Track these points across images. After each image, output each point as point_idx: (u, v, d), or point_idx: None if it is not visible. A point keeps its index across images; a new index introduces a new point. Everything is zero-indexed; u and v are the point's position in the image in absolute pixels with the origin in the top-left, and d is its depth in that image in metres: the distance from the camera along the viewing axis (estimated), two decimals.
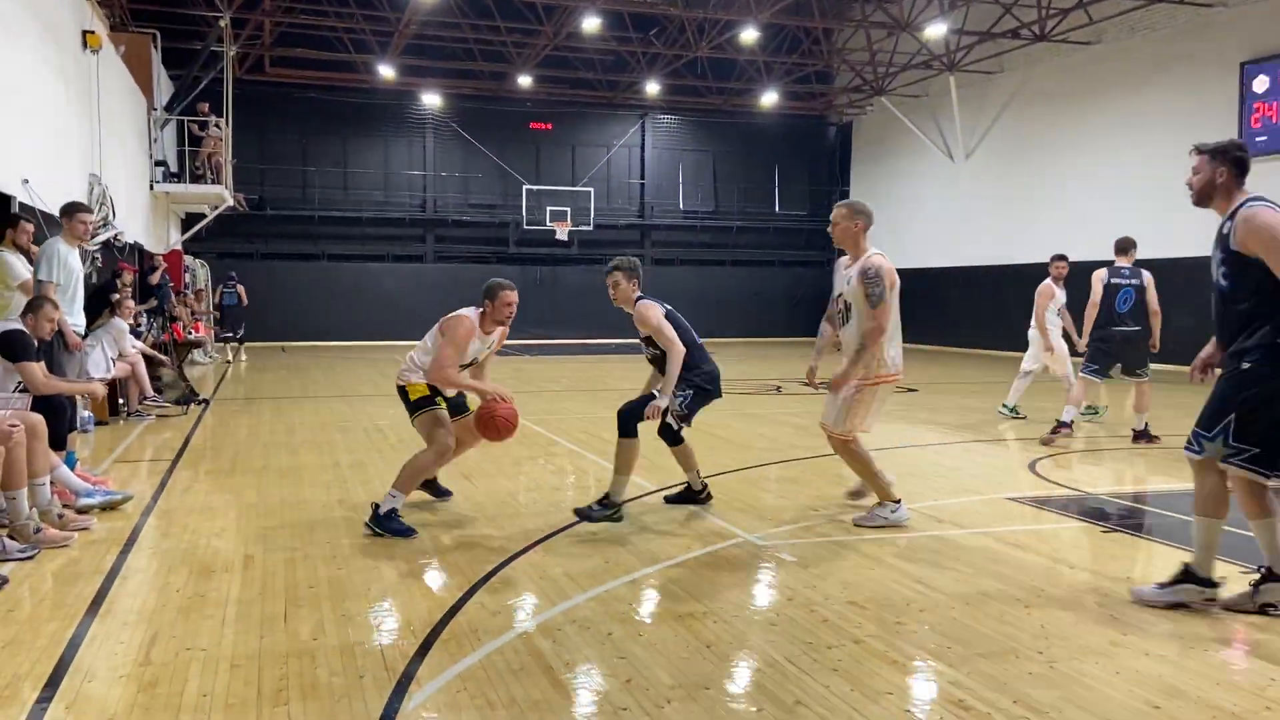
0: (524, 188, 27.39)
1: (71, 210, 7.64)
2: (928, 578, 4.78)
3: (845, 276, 5.89)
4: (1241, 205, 4.17)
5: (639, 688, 3.06)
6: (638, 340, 6.35)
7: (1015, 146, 23.76)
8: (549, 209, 27.25)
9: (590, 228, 27.48)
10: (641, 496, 6.51)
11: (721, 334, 26.83)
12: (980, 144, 24.81)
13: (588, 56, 25.75)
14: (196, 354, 18.51)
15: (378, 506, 5.17)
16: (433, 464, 5.62)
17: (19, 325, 5.69)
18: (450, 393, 5.88)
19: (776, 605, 4.37)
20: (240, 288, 21.58)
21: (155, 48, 19.36)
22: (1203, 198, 4.40)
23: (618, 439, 5.63)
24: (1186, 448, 4.41)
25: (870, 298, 5.49)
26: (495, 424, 5.53)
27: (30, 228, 7.63)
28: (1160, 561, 5.18)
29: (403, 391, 5.67)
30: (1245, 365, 4.12)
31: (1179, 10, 18.59)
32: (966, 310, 25.10)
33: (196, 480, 7.21)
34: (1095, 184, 20.93)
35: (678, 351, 5.48)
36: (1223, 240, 4.23)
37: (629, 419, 5.57)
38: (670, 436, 5.73)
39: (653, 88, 26.48)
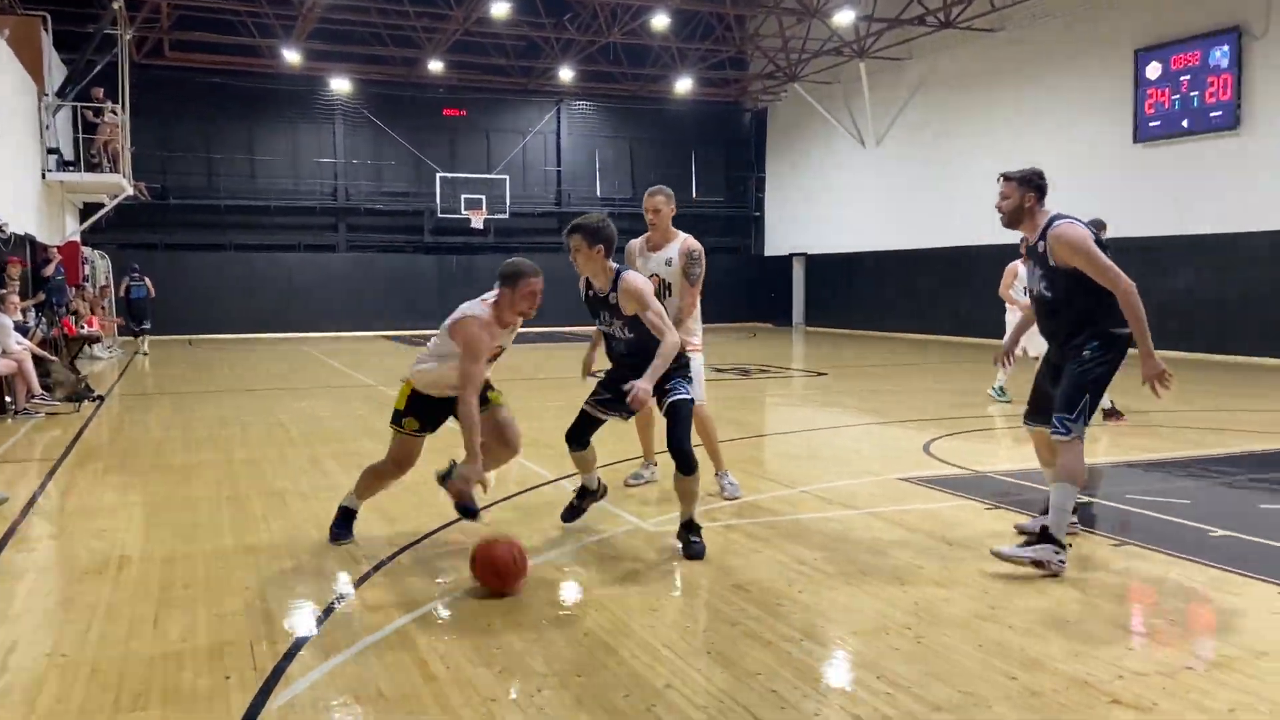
0: (438, 175, 28.08)
1: None
2: (812, 559, 4.93)
3: (662, 258, 6.28)
4: (1049, 225, 4.84)
5: (511, 676, 3.24)
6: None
7: (925, 132, 24.86)
8: (464, 197, 27.92)
9: (506, 216, 28.22)
10: (538, 486, 6.64)
11: None
12: (890, 130, 25.96)
13: (500, 42, 26.44)
14: (97, 349, 18.76)
15: (339, 514, 5.05)
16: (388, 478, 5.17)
17: None
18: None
19: (660, 591, 4.48)
20: (147, 280, 21.67)
21: (46, 30, 19.55)
22: (1013, 221, 5.03)
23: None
24: (1054, 432, 4.89)
25: (691, 276, 6.10)
26: (496, 569, 4.22)
27: None
28: (995, 521, 5.67)
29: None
30: (1086, 353, 4.78)
31: (1066, 5, 19.91)
32: (879, 294, 26.17)
33: (82, 479, 7.11)
34: (1002, 169, 22.69)
35: (673, 341, 4.73)
36: (1041, 258, 4.88)
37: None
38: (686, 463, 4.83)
39: (567, 74, 27.22)
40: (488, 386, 5.14)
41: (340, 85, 27.02)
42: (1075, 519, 5.53)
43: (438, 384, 4.95)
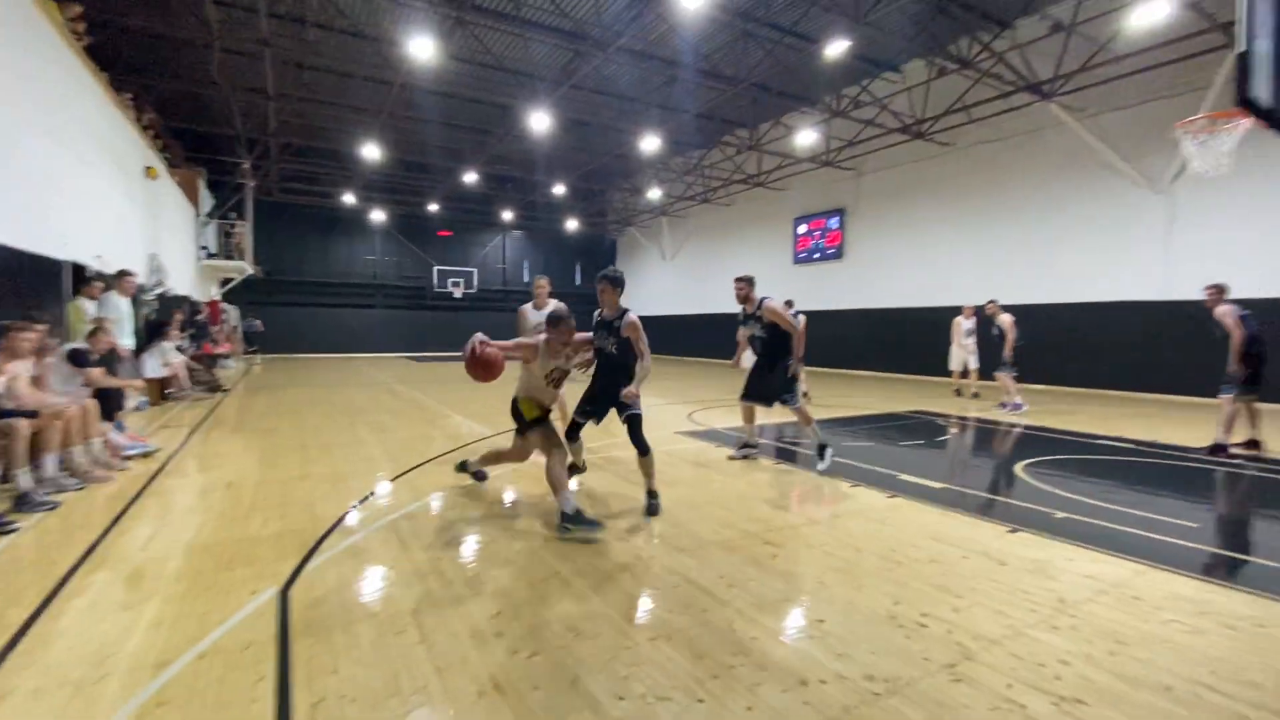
0: (435, 267, 28.17)
1: (121, 274, 7.43)
2: (623, 475, 5.11)
3: (544, 313, 5.13)
4: (762, 300, 5.11)
5: (455, 545, 3.34)
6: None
7: (695, 254, 26.04)
8: (449, 280, 28.08)
9: (474, 290, 28.39)
10: (422, 464, 5.38)
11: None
12: (679, 253, 27.17)
13: (472, 194, 26.53)
14: (228, 362, 18.53)
15: (564, 514, 3.67)
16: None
17: (83, 345, 5.38)
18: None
19: (539, 492, 4.37)
20: (258, 321, 22.03)
21: (202, 178, 19.32)
22: (745, 300, 5.15)
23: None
24: (791, 404, 5.24)
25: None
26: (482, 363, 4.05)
27: (101, 284, 7.45)
28: (750, 463, 5.55)
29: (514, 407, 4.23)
30: (784, 365, 5.26)
31: (763, 191, 21.38)
32: (675, 338, 26.77)
33: (210, 436, 6.81)
34: (734, 275, 24.05)
35: (649, 363, 4.28)
36: (758, 318, 5.20)
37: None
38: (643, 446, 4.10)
39: (508, 215, 27.58)
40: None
41: (378, 215, 26.68)
42: (755, 448, 5.75)
43: (527, 389, 4.19)
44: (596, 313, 4.36)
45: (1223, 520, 4.37)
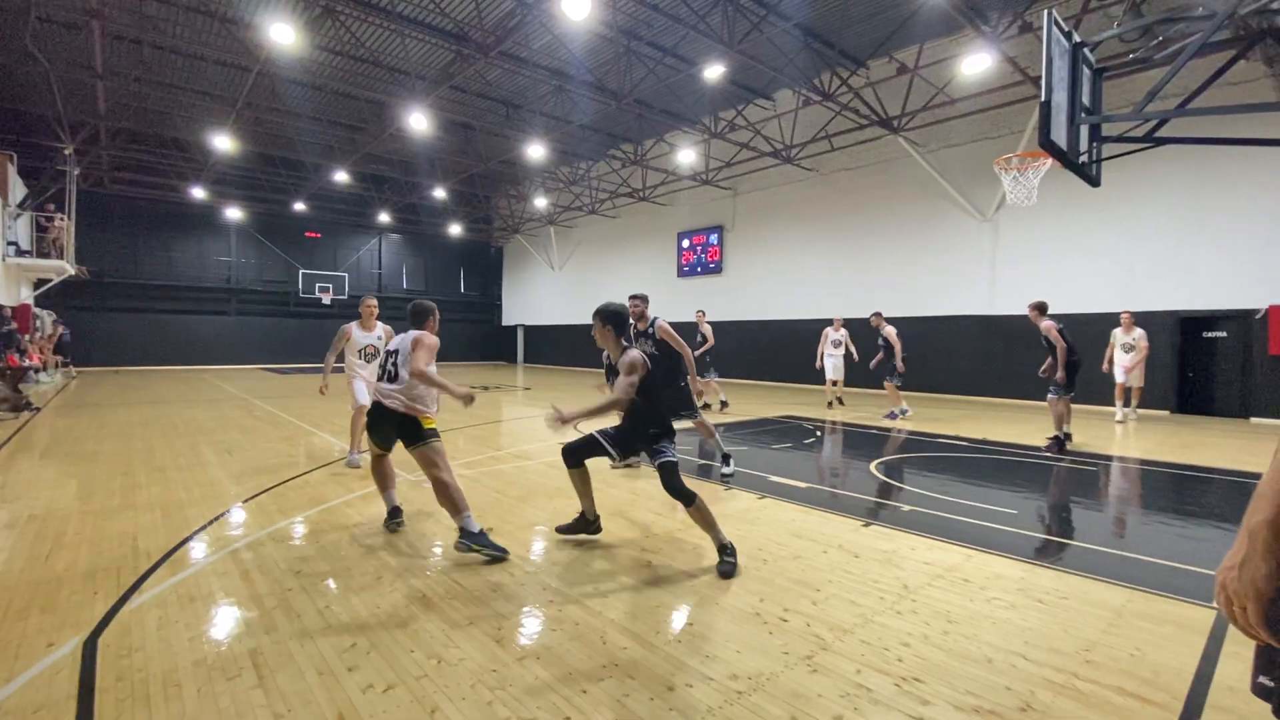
0: (300, 271, 26.08)
1: None
2: (505, 489, 4.28)
3: (374, 334, 5.72)
4: (654, 321, 5.19)
5: (306, 575, 3.04)
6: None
7: (583, 264, 25.99)
8: (317, 285, 26.11)
9: (345, 296, 26.54)
10: (275, 486, 5.48)
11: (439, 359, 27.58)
12: (566, 262, 26.97)
13: (343, 194, 25.16)
14: (39, 376, 16.16)
15: (464, 532, 3.47)
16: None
17: None
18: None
19: (408, 512, 4.47)
20: (63, 328, 19.15)
21: (12, 162, 16.40)
22: (639, 318, 5.24)
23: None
24: (686, 417, 5.41)
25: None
26: None
27: None
28: (633, 473, 5.99)
29: (414, 422, 3.72)
30: (681, 384, 5.31)
31: (649, 205, 21.82)
32: (558, 348, 26.90)
33: (11, 463, 5.99)
34: (623, 288, 22.93)
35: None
36: (650, 335, 5.19)
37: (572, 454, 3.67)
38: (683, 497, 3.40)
39: (384, 217, 26.17)
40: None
41: (234, 213, 24.28)
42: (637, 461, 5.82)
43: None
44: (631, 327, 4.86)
45: (1037, 507, 4.99)
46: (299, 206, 24.66)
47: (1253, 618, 0.94)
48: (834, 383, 11.94)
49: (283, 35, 10.63)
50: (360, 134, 18.57)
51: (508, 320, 31.40)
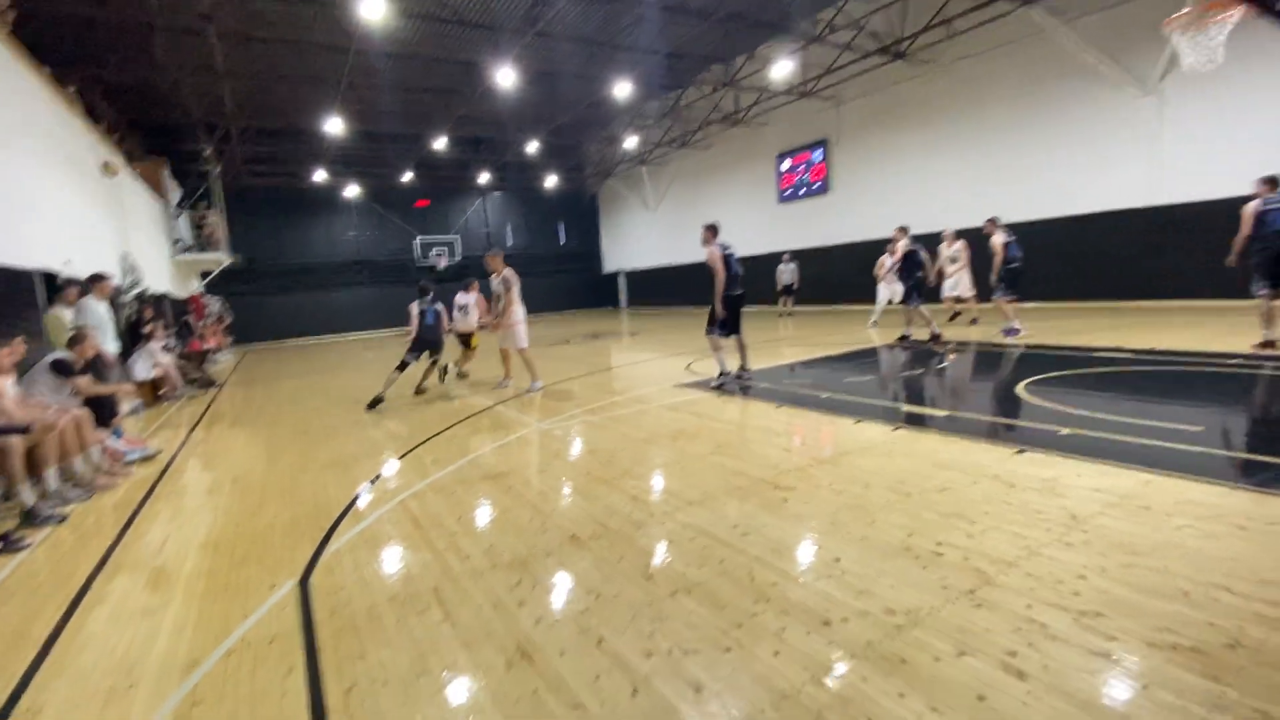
0: (416, 239, 27.50)
1: (96, 278, 6.90)
2: (630, 432, 4.99)
3: (496, 281, 7.54)
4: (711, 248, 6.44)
5: (466, 522, 3.19)
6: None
7: (679, 201, 25.47)
8: (432, 251, 27.52)
9: (459, 259, 27.75)
10: (427, 440, 6.85)
11: (536, 310, 28.63)
12: (662, 201, 26.59)
13: (446, 159, 25.95)
14: (217, 356, 18.74)
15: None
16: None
17: (66, 354, 5.12)
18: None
19: (545, 460, 4.45)
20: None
21: (166, 169, 18.71)
22: (705, 243, 6.55)
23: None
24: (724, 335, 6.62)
25: (508, 288, 7.54)
26: None
27: (76, 290, 6.78)
28: (753, 408, 5.98)
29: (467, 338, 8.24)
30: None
31: (743, 130, 20.83)
32: (661, 290, 26.74)
33: (209, 433, 6.69)
34: (722, 222, 23.57)
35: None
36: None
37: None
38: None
39: (485, 178, 27.10)
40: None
41: (352, 190, 26.00)
42: (738, 377, 6.91)
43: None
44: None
45: (1226, 422, 4.39)
46: (407, 177, 25.90)
47: None
48: (958, 299, 11.06)
49: (372, 10, 10.94)
50: (454, 97, 19.04)
51: (608, 267, 31.72)
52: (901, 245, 9.00)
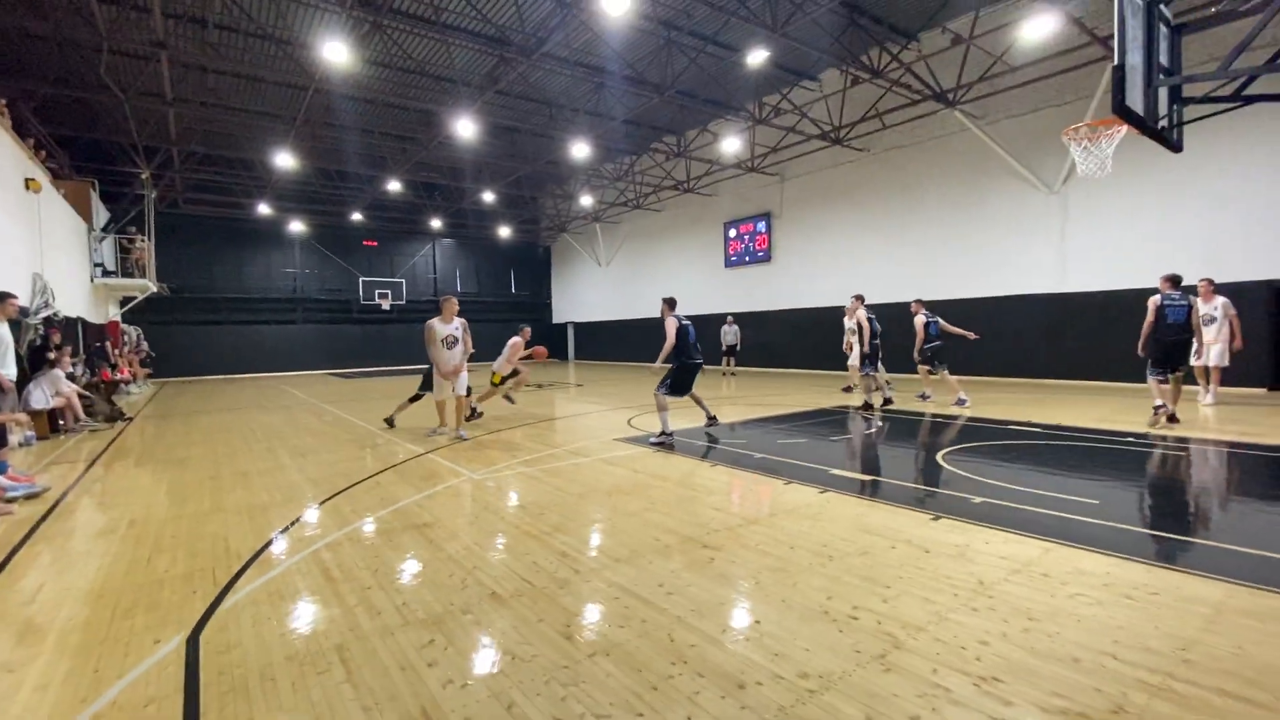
0: (360, 279, 26.98)
1: (1, 296, 6.36)
2: (565, 486, 4.89)
3: (454, 325, 7.32)
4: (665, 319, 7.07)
5: (381, 574, 3.05)
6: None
7: (629, 259, 26.05)
8: (376, 291, 26.97)
9: (403, 302, 27.33)
10: (349, 488, 6.68)
11: (481, 359, 28.23)
12: (614, 258, 27.13)
13: (397, 203, 25.98)
14: (133, 388, 17.37)
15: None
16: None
17: None
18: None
19: (476, 511, 4.33)
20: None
21: (94, 189, 17.75)
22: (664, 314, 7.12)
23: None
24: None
25: (466, 334, 7.69)
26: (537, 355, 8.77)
27: None
28: (689, 465, 6.11)
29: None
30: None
31: (694, 197, 21.74)
32: (609, 343, 26.97)
33: (108, 471, 6.25)
34: (670, 283, 23.43)
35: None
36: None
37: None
38: None
39: (437, 223, 26.96)
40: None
41: (297, 226, 25.38)
42: (710, 423, 7.62)
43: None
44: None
45: (1119, 497, 4.72)
46: (356, 217, 25.67)
47: None
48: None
49: (335, 53, 11.05)
50: (411, 144, 19.14)
51: (558, 318, 31.74)
52: (861, 314, 9.23)
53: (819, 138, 15.52)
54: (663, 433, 6.89)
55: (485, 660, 2.37)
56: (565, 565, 3.43)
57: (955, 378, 9.59)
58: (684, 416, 8.91)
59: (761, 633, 2.63)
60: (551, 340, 31.69)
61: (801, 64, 14.95)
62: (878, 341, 9.59)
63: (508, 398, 9.86)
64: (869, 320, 9.08)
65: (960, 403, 9.19)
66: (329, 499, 4.83)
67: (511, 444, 6.90)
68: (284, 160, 17.55)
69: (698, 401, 7.63)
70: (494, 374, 8.99)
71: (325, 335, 26.10)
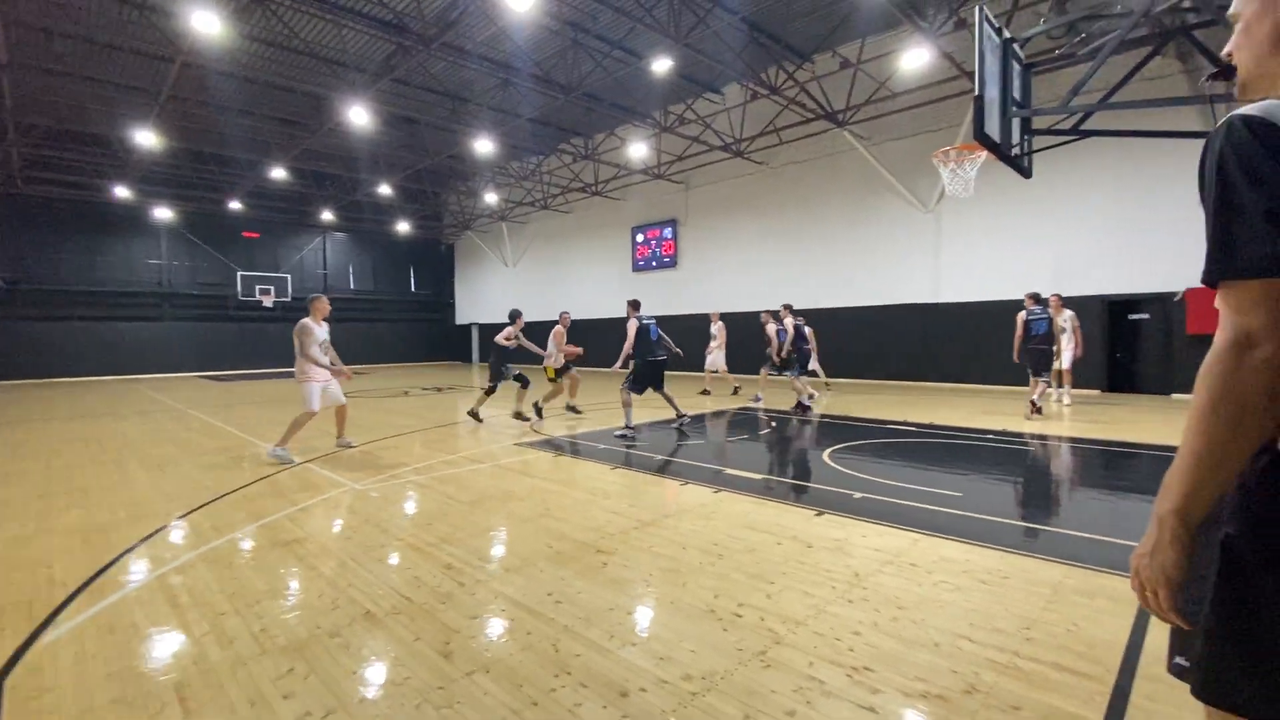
0: (239, 274, 24.77)
1: None
2: (456, 494, 4.65)
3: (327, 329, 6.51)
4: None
5: (239, 598, 2.77)
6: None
7: (537, 259, 25.63)
8: (257, 287, 24.88)
9: (288, 299, 25.38)
10: (212, 502, 5.99)
11: (377, 360, 26.77)
12: (521, 258, 26.58)
13: (283, 191, 24.18)
14: None
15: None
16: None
17: None
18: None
19: (355, 524, 4.04)
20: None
21: None
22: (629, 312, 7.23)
23: None
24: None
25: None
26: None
27: None
28: (588, 469, 6.08)
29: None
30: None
31: (603, 200, 21.71)
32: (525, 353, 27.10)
33: None
34: (579, 285, 23.33)
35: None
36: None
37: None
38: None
39: (328, 215, 25.29)
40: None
41: (164, 213, 22.89)
42: (679, 421, 7.61)
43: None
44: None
45: (979, 489, 5.15)
46: (236, 205, 23.58)
47: (1164, 603, 0.96)
48: (715, 371, 12.33)
49: (206, 24, 10.05)
50: (298, 129, 17.82)
51: (461, 319, 30.66)
52: (790, 321, 9.48)
53: (722, 149, 15.99)
54: (626, 426, 7.14)
55: (350, 687, 2.18)
56: (450, 578, 3.26)
57: (805, 379, 10.02)
58: (602, 420, 8.84)
59: (649, 636, 2.61)
60: (453, 342, 30.58)
61: (706, 76, 15.34)
62: (808, 347, 10.04)
63: (534, 410, 8.65)
64: (777, 332, 9.39)
65: (802, 407, 9.36)
66: (186, 515, 4.42)
67: (403, 451, 6.61)
68: (146, 139, 15.76)
69: (669, 400, 7.69)
70: (547, 369, 8.43)
71: (197, 334, 23.77)
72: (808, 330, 10.81)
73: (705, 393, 12.30)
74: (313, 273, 27.22)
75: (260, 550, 3.65)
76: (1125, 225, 11.41)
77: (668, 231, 19.79)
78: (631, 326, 7.27)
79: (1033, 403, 8.02)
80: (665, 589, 3.00)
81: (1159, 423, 8.04)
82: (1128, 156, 11.21)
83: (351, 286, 28.04)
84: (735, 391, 12.47)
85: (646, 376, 7.27)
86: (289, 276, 26.03)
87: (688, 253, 19.30)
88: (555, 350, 8.55)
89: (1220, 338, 0.93)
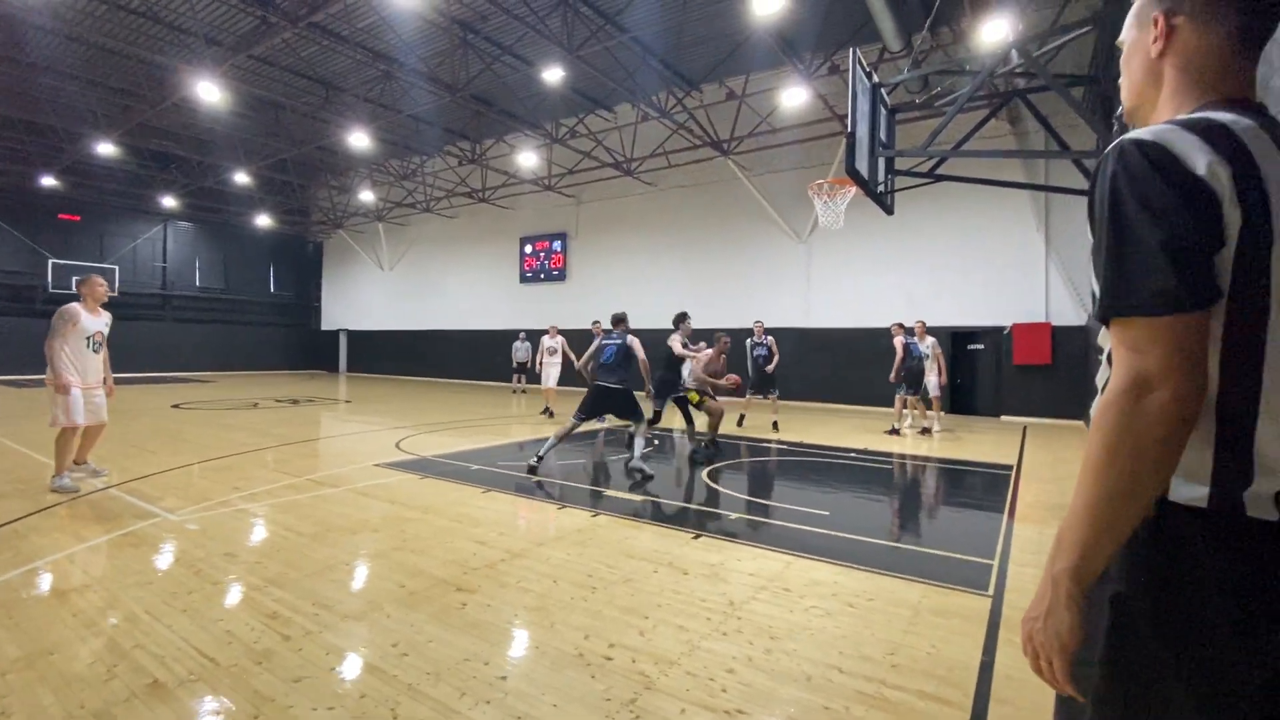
0: (50, 261, 21.23)
1: None
2: (297, 525, 4.12)
3: (104, 319, 5.33)
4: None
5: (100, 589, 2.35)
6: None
7: (416, 265, 24.30)
8: (74, 278, 21.73)
9: (115, 293, 22.07)
10: (109, 487, 5.16)
11: (232, 369, 24.02)
12: (398, 262, 25.06)
13: (113, 170, 21.01)
14: None
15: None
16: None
17: None
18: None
19: (160, 566, 3.41)
20: None
21: None
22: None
23: None
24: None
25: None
26: None
27: None
28: (457, 493, 5.41)
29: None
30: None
31: (490, 208, 21.01)
32: (389, 355, 24.78)
33: None
34: (462, 294, 22.44)
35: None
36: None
37: None
38: None
39: (171, 201, 22.39)
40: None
41: None
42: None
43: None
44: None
45: (846, 507, 5.32)
46: (50, 181, 20.06)
47: (1059, 673, 0.85)
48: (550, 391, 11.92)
49: None
50: (134, 99, 15.58)
51: (328, 324, 28.30)
52: (899, 340, 9.35)
53: (613, 166, 16.03)
54: (537, 455, 6.03)
55: None
56: (273, 631, 2.74)
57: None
58: (480, 437, 8.33)
59: (506, 691, 2.30)
60: (318, 350, 28.14)
61: (598, 92, 15.34)
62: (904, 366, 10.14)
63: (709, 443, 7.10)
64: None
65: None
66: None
67: (235, 473, 5.78)
68: None
69: (630, 440, 6.32)
70: (689, 393, 6.93)
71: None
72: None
73: (547, 411, 11.83)
74: (148, 265, 24.00)
75: (19, 604, 2.92)
76: (968, 263, 12.74)
77: (557, 244, 19.55)
78: (596, 346, 6.45)
79: (895, 427, 8.58)
80: (531, 631, 2.71)
81: (991, 443, 8.91)
82: (972, 201, 12.55)
83: (197, 284, 25.08)
84: (547, 412, 11.51)
85: (589, 402, 6.17)
86: (116, 268, 22.62)
87: (577, 267, 19.18)
88: (695, 373, 7.23)
89: (1115, 381, 0.84)
